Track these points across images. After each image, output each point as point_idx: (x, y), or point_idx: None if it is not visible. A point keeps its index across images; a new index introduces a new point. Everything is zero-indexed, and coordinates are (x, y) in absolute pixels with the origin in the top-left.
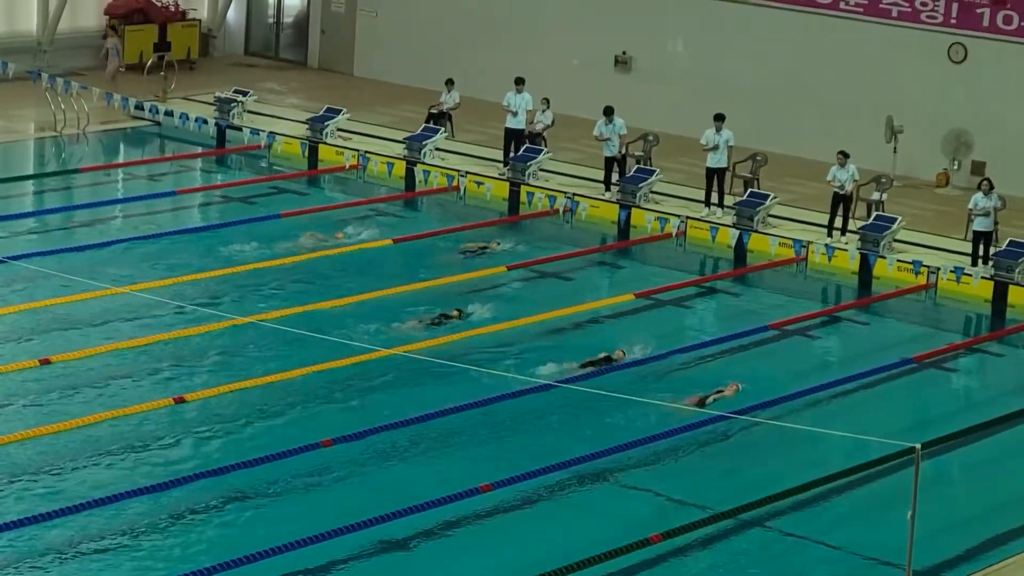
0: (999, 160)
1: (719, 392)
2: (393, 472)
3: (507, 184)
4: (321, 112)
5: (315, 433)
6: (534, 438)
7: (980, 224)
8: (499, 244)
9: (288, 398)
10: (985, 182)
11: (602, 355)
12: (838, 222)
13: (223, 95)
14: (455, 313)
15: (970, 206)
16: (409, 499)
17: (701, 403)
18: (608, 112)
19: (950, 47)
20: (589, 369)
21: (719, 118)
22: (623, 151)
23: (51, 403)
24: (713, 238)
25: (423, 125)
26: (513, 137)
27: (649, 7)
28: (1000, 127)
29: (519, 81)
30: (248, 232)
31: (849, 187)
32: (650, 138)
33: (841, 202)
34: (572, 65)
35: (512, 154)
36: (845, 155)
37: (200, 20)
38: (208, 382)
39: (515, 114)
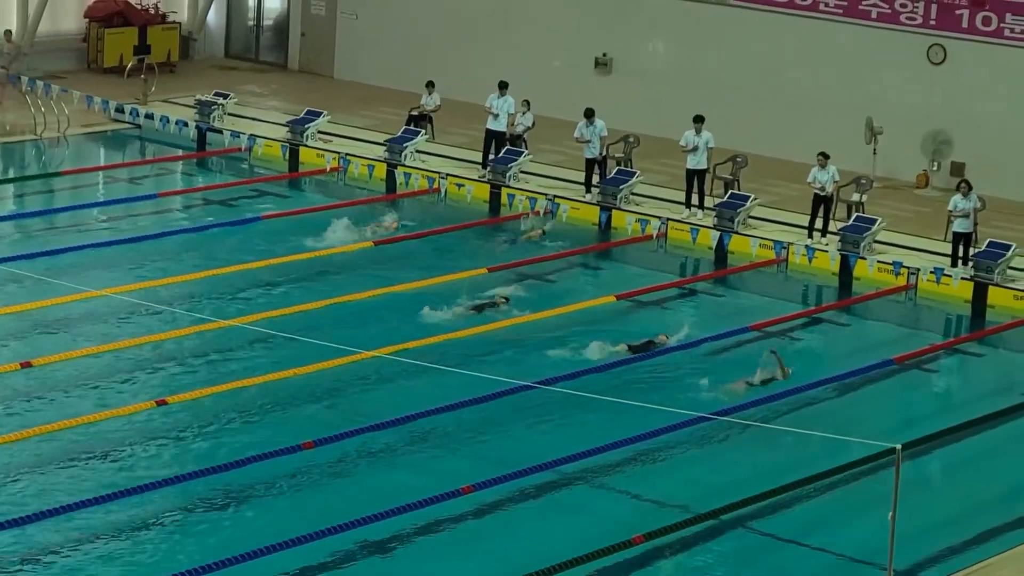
0: (978, 161)
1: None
2: (374, 474)
3: (487, 186)
4: (302, 115)
5: (296, 435)
6: (515, 439)
7: (960, 225)
8: (506, 300)
9: (269, 400)
10: (964, 184)
11: (644, 340)
12: (818, 223)
13: (203, 98)
14: (500, 301)
15: (949, 207)
16: (390, 501)
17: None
18: (589, 114)
19: (929, 48)
20: (629, 353)
21: (699, 120)
22: (604, 153)
23: (32, 406)
24: (694, 240)
25: (404, 127)
26: (494, 139)
27: (629, 9)
28: (979, 128)
29: (503, 85)
30: (229, 234)
31: (829, 188)
32: (631, 140)
33: (821, 203)
34: (553, 67)
35: (492, 156)
36: (825, 156)
37: (180, 23)
38: (190, 384)
39: (496, 116)
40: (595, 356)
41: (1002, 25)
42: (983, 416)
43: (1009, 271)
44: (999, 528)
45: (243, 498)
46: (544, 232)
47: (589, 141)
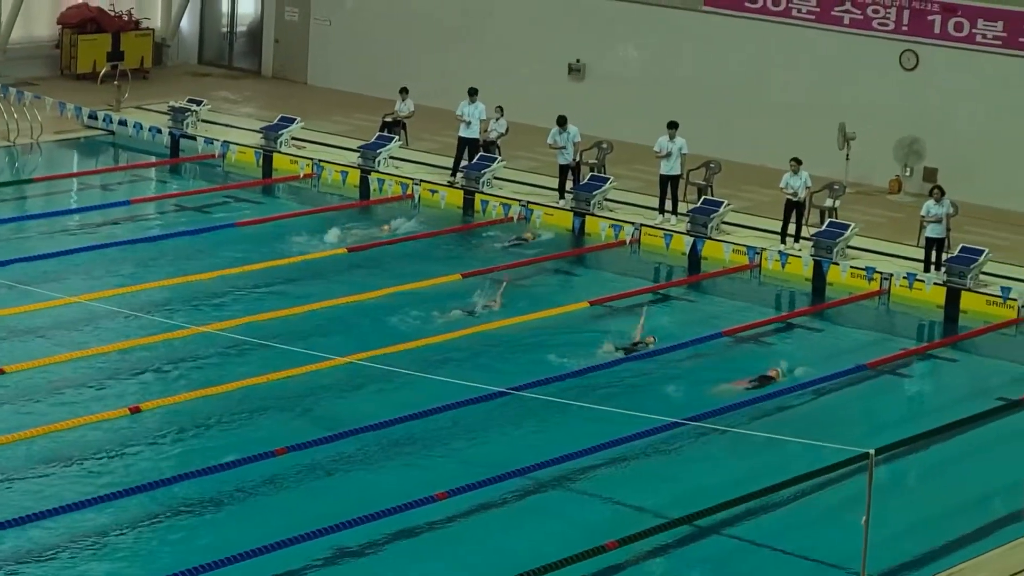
0: (951, 166)
1: (768, 377)
2: (348, 480)
3: (461, 192)
4: (275, 121)
5: (270, 441)
6: (490, 445)
7: (932, 231)
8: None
9: (243, 407)
10: (936, 189)
11: (634, 341)
12: (791, 229)
13: (177, 104)
14: (494, 302)
15: (922, 213)
16: (364, 507)
17: (758, 387)
18: (561, 122)
19: (902, 54)
20: (621, 354)
21: (672, 126)
22: (577, 159)
23: (5, 413)
24: (667, 245)
25: (377, 133)
26: (467, 146)
27: (602, 15)
28: (952, 133)
29: (472, 92)
30: (203, 241)
31: (802, 194)
32: (604, 146)
33: (794, 209)
34: (526, 73)
35: (466, 163)
36: (798, 162)
37: (153, 29)
38: (163, 391)
39: (468, 124)
40: (595, 357)
41: (974, 31)
42: (956, 421)
43: (981, 276)
44: (973, 533)
45: (217, 505)
46: (534, 237)
47: (563, 148)
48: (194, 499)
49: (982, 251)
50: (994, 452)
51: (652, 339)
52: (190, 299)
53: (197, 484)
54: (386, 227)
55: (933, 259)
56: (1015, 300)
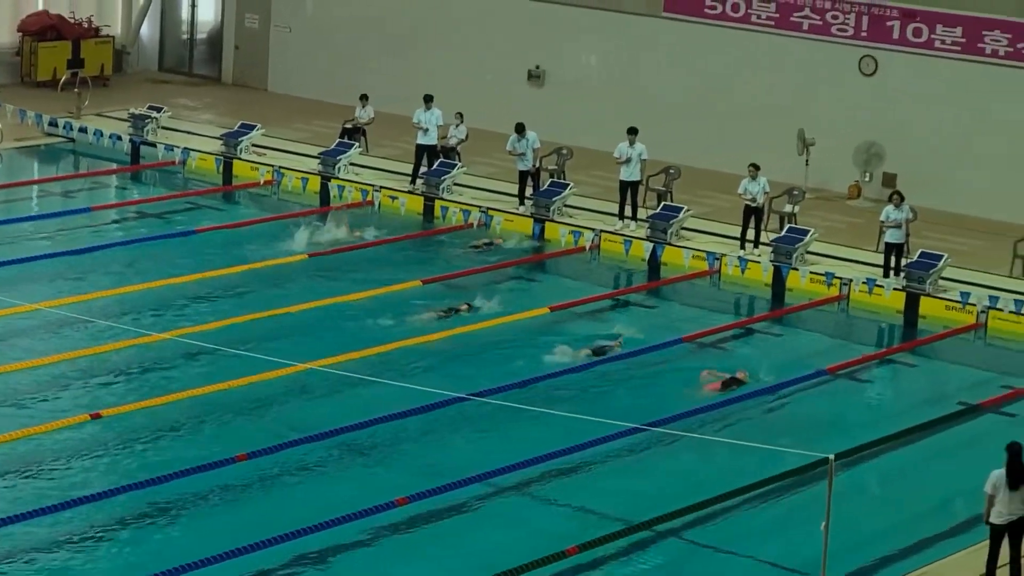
0: (910, 172)
1: (735, 379)
2: (309, 486)
3: (421, 199)
4: (235, 128)
5: (231, 447)
6: (450, 451)
7: (892, 236)
8: (469, 306)
9: (204, 413)
10: (896, 195)
11: (600, 344)
12: (750, 234)
13: (137, 111)
14: (464, 306)
15: (882, 218)
16: (325, 513)
17: (725, 389)
18: (519, 129)
19: (861, 59)
20: (590, 356)
21: (632, 131)
22: (536, 165)
23: None
24: (627, 251)
25: (337, 140)
26: (425, 152)
27: (562, 21)
28: (910, 139)
29: (428, 99)
30: (164, 248)
31: (760, 200)
32: (564, 152)
33: (753, 215)
34: (486, 79)
35: (425, 170)
36: (756, 168)
37: (113, 36)
38: (124, 398)
39: (426, 131)
40: (562, 359)
41: (932, 36)
42: (916, 426)
43: (941, 281)
44: (932, 537)
45: (178, 511)
46: (503, 241)
47: (522, 154)
48: (155, 505)
49: (941, 256)
50: (954, 456)
51: (619, 342)
52: (151, 306)
53: (158, 490)
54: (357, 232)
55: (892, 264)
56: (974, 305)
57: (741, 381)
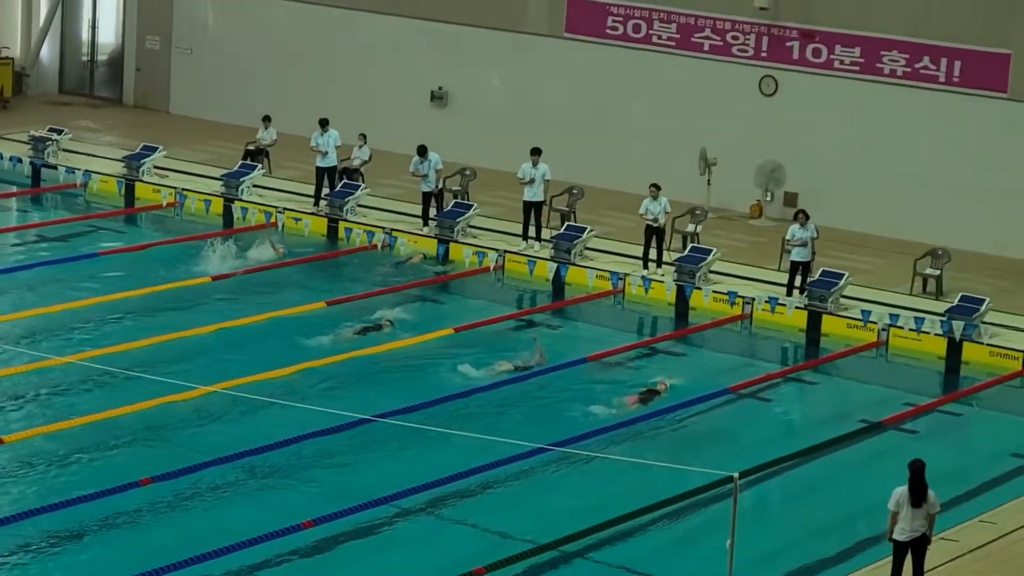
0: (811, 191)
1: (654, 391)
2: (215, 509)
3: (325, 220)
4: (137, 150)
5: (134, 472)
6: (357, 473)
7: (797, 254)
8: (391, 323)
9: (106, 437)
10: (801, 214)
11: (519, 362)
12: (653, 254)
13: (38, 133)
14: (385, 323)
15: (787, 237)
16: (230, 536)
17: (644, 400)
18: (421, 151)
19: (761, 80)
20: (513, 374)
21: (536, 152)
22: (440, 186)
23: None
24: (531, 272)
25: (240, 162)
26: (326, 174)
27: (463, 43)
28: (811, 158)
29: (323, 122)
30: (66, 271)
31: (662, 219)
32: (467, 173)
33: (654, 234)
34: (389, 101)
35: (327, 191)
36: (657, 188)
37: (13, 58)
38: (26, 422)
39: (325, 154)
40: (467, 380)
41: (832, 57)
42: (819, 443)
43: (842, 300)
44: (837, 554)
45: (82, 536)
46: (424, 257)
47: (424, 175)
48: (58, 531)
49: (843, 275)
50: (857, 473)
51: (540, 357)
52: (53, 329)
53: (62, 515)
54: (280, 248)
55: (797, 283)
56: (875, 323)
57: (659, 392)
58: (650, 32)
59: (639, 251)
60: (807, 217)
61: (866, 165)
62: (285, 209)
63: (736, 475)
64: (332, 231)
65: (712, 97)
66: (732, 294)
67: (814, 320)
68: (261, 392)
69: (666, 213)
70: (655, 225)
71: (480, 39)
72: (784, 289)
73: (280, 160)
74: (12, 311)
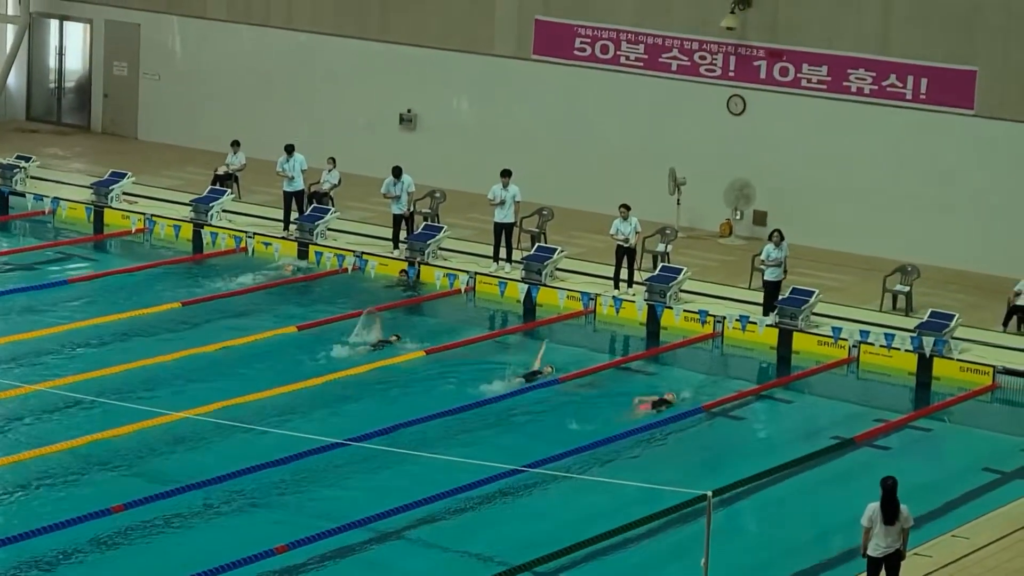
0: (780, 209)
1: (664, 400)
2: (186, 536)
3: (295, 244)
4: (106, 176)
5: (106, 499)
6: (329, 497)
7: (771, 274)
8: (399, 337)
9: (77, 464)
10: (776, 233)
11: (534, 369)
12: (624, 274)
13: (5, 161)
14: (393, 338)
15: (762, 257)
16: (203, 562)
17: (656, 409)
18: (396, 172)
19: (729, 99)
20: (523, 383)
21: (506, 174)
22: (411, 208)
23: None
24: (502, 293)
25: (209, 187)
26: (293, 198)
27: (432, 65)
28: (780, 176)
29: (289, 148)
30: (35, 298)
31: (633, 239)
32: (437, 195)
33: (625, 254)
34: (357, 124)
35: (297, 215)
36: (627, 208)
37: None
38: None
39: (291, 178)
40: (497, 388)
41: (799, 75)
42: (792, 460)
43: (813, 317)
44: (810, 569)
45: (54, 564)
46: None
47: (396, 197)
48: (30, 559)
49: (813, 292)
50: (830, 490)
51: (550, 368)
52: (23, 357)
53: (33, 543)
54: (288, 267)
55: (772, 302)
56: (846, 340)
57: (669, 402)
58: (618, 53)
59: (610, 271)
60: (782, 237)
61: (835, 182)
62: (255, 234)
63: (709, 493)
64: (303, 255)
65: (680, 117)
66: (703, 313)
67: (785, 338)
68: (232, 417)
69: (637, 233)
70: (626, 245)
71: (448, 62)
72: (755, 307)
73: (249, 185)
74: None
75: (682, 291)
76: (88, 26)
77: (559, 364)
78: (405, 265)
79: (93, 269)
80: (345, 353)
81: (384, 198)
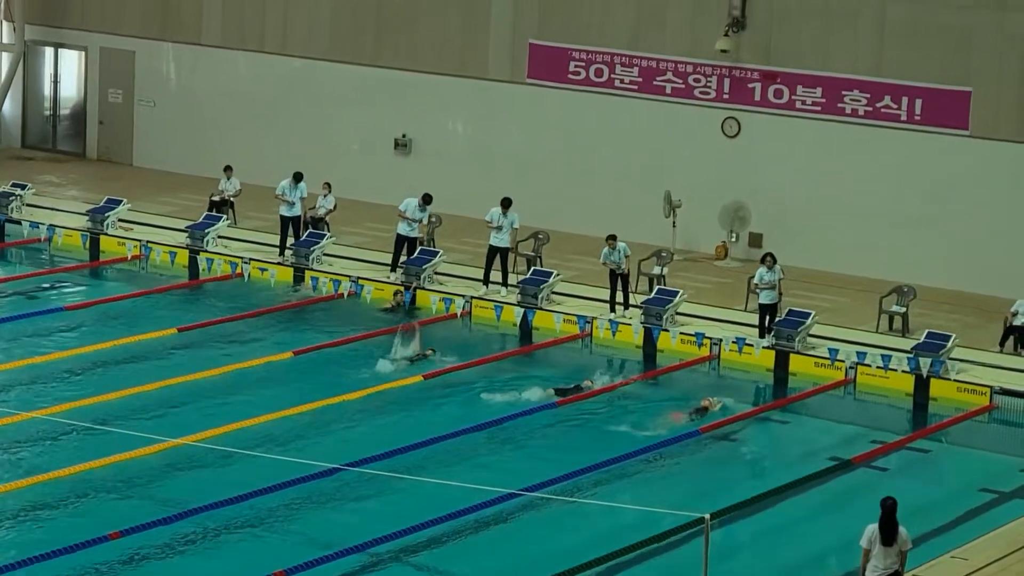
0: (775, 231)
1: (702, 408)
2: (185, 562)
3: (291, 269)
4: (101, 203)
5: (103, 525)
6: (328, 522)
7: (765, 297)
8: (434, 351)
9: (75, 491)
10: (769, 256)
11: (573, 384)
12: (619, 297)
13: (1, 189)
14: (429, 352)
15: (755, 280)
16: None
17: (692, 418)
18: (427, 200)
19: (724, 121)
20: (557, 397)
21: (507, 204)
22: (423, 235)
23: None
24: (498, 316)
25: (205, 213)
26: (291, 224)
27: (426, 90)
28: (775, 198)
29: (297, 176)
30: (32, 325)
31: (623, 264)
32: (432, 220)
33: (618, 278)
34: (352, 149)
35: (293, 241)
36: (613, 238)
37: None
38: None
39: (292, 204)
40: (532, 398)
41: (793, 97)
42: (789, 482)
43: (809, 339)
44: None
45: None
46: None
47: (419, 221)
48: None
49: (809, 314)
50: (828, 512)
51: (590, 382)
52: (20, 384)
53: (30, 571)
54: (351, 291)
55: (767, 324)
56: (843, 361)
57: (707, 409)
58: (612, 76)
59: (606, 295)
60: (774, 260)
61: (830, 204)
62: (251, 259)
63: (707, 516)
64: (298, 280)
65: (675, 139)
66: (700, 335)
67: (782, 359)
68: (229, 443)
69: (626, 256)
70: (619, 271)
71: (443, 86)
72: (751, 330)
73: (245, 210)
74: None
75: (678, 314)
76: (83, 53)
77: (556, 387)
78: (402, 288)
79: (89, 296)
80: (389, 368)
81: (399, 217)
